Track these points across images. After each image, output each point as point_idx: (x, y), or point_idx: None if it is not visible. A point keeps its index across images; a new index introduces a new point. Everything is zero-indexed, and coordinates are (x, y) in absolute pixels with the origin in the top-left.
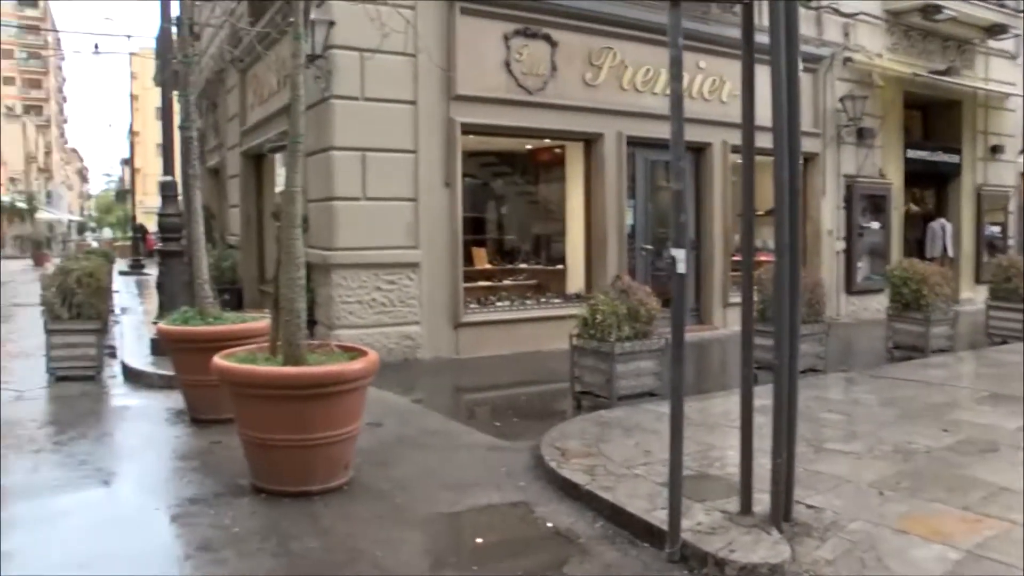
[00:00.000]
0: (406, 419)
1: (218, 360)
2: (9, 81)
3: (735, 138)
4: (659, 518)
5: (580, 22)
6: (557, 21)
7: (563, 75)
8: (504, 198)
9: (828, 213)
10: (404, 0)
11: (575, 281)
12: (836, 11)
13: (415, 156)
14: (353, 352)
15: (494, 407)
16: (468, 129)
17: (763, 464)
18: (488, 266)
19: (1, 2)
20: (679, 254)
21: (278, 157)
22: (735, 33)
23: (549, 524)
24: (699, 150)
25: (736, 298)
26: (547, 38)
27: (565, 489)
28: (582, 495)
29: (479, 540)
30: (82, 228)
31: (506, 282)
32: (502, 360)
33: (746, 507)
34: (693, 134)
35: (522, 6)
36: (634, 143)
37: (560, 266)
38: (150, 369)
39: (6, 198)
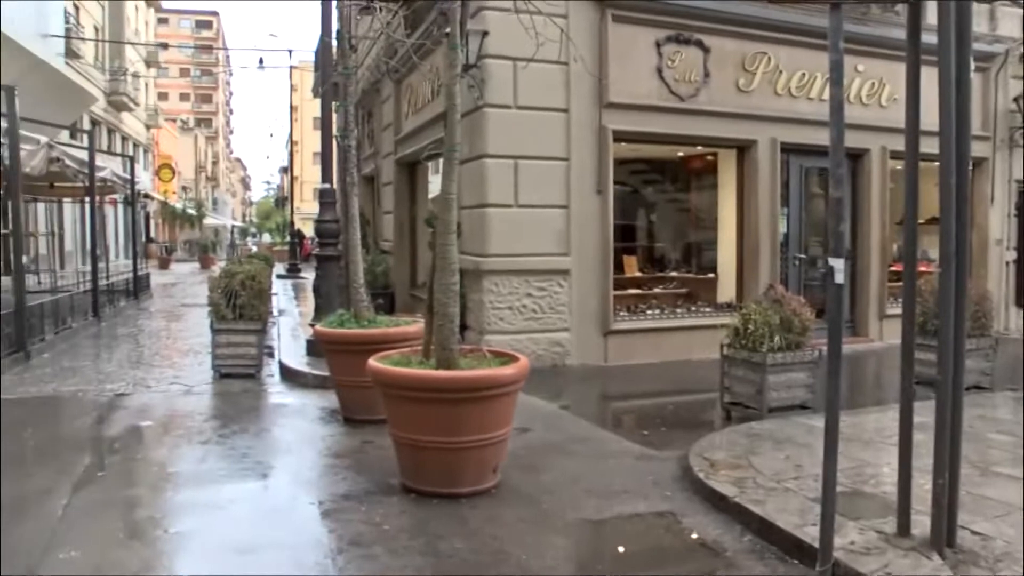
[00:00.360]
0: (553, 425)
1: (373, 362)
2: (184, 97)
3: (894, 143)
4: (810, 535)
5: (733, 27)
6: (710, 27)
7: (716, 81)
8: (655, 205)
9: (997, 221)
10: (556, 8)
11: (726, 290)
12: (1014, 2)
13: (567, 164)
14: (504, 357)
15: (641, 415)
16: (620, 136)
17: (922, 484)
18: (638, 274)
19: (180, 23)
20: (837, 264)
21: (430, 165)
22: (896, 34)
23: (695, 535)
24: (856, 156)
25: (893, 310)
26: (699, 44)
27: (712, 501)
28: (730, 507)
29: (623, 548)
30: (244, 233)
31: (656, 290)
32: (650, 368)
33: (904, 528)
34: (851, 140)
35: (674, 12)
36: (788, 149)
37: (711, 275)
38: (306, 369)
39: (178, 205)
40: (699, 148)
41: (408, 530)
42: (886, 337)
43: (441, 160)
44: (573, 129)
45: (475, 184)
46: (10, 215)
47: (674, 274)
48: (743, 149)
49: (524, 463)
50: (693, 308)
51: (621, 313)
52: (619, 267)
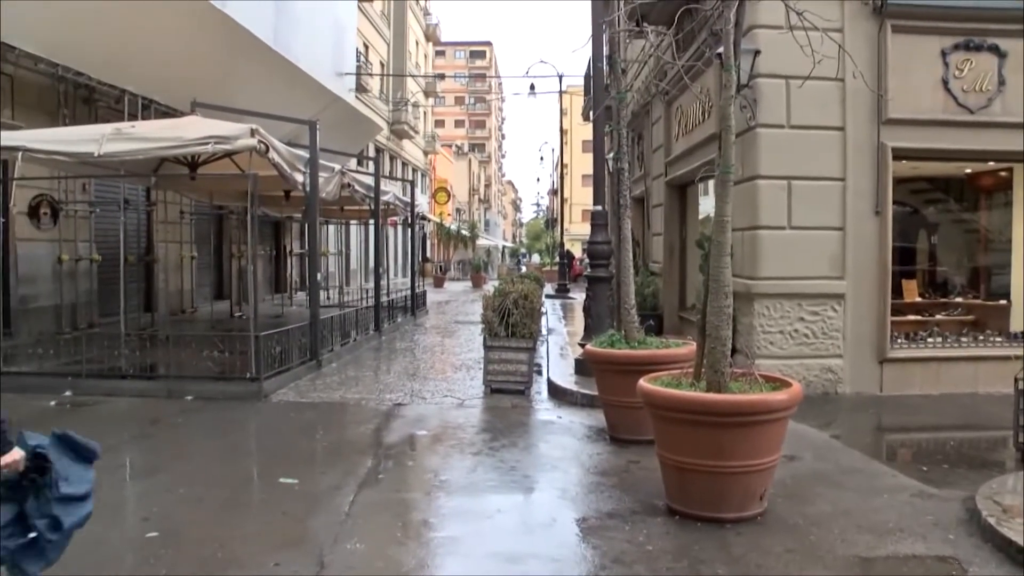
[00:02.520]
0: (823, 454)
1: (643, 383)
2: (459, 124)
3: None
4: None
5: None
6: (1007, 28)
7: (1012, 89)
8: (937, 227)
9: None
10: (831, 24)
11: (1020, 318)
12: None
13: (843, 184)
14: (775, 382)
15: (920, 450)
16: (900, 154)
17: None
18: (918, 299)
19: (455, 54)
20: None
21: (700, 186)
22: None
23: None
24: None
25: None
26: (994, 49)
27: (1006, 551)
28: None
29: None
30: (513, 254)
31: (938, 317)
32: (930, 400)
33: None
34: None
35: (965, 16)
36: None
37: (1003, 301)
38: (573, 388)
39: (452, 226)
40: (990, 164)
41: (671, 552)
42: None
43: (713, 182)
44: (849, 148)
45: (747, 206)
46: (307, 236)
47: (959, 300)
48: None
49: (791, 492)
50: (980, 337)
51: (899, 340)
52: (897, 292)
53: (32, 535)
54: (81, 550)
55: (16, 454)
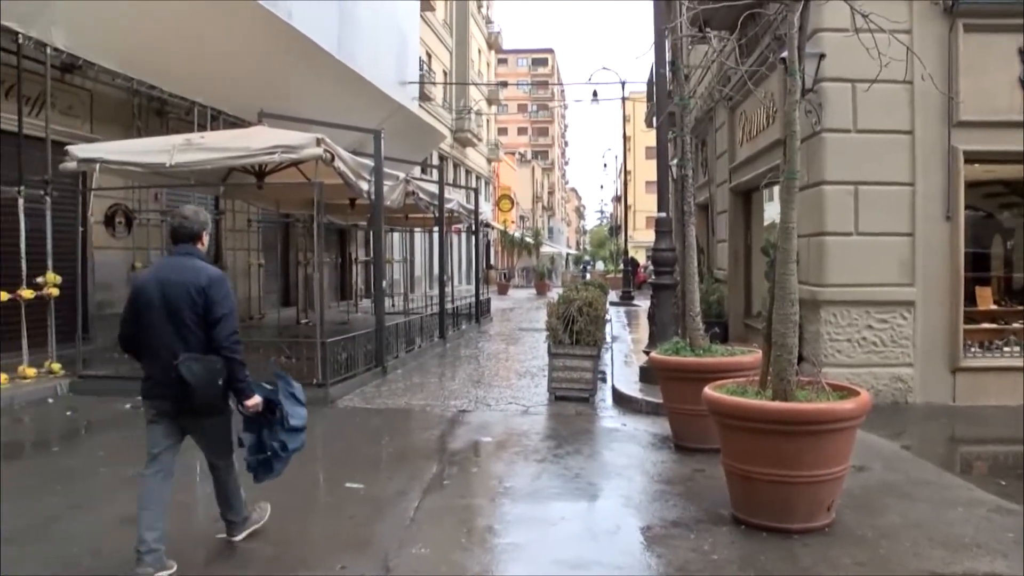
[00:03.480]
0: (893, 465)
1: (709, 391)
2: (522, 131)
3: None
4: None
5: None
6: None
7: None
8: (1013, 231)
9: None
10: (899, 25)
11: None
12: None
13: (911, 188)
14: (843, 391)
15: (996, 463)
16: (971, 157)
17: None
18: (993, 307)
19: (517, 61)
20: None
21: (764, 192)
22: None
23: None
24: None
25: None
26: None
27: None
28: None
29: None
30: (578, 261)
31: (1015, 325)
32: (1007, 412)
33: None
34: None
35: None
36: None
37: None
38: (638, 395)
39: (516, 233)
40: None
41: (737, 562)
42: None
43: (778, 188)
44: (918, 152)
45: (812, 212)
46: (372, 243)
47: None
48: None
49: (860, 503)
50: None
51: (972, 349)
52: (970, 299)
53: (267, 454)
54: None
55: (257, 398)
